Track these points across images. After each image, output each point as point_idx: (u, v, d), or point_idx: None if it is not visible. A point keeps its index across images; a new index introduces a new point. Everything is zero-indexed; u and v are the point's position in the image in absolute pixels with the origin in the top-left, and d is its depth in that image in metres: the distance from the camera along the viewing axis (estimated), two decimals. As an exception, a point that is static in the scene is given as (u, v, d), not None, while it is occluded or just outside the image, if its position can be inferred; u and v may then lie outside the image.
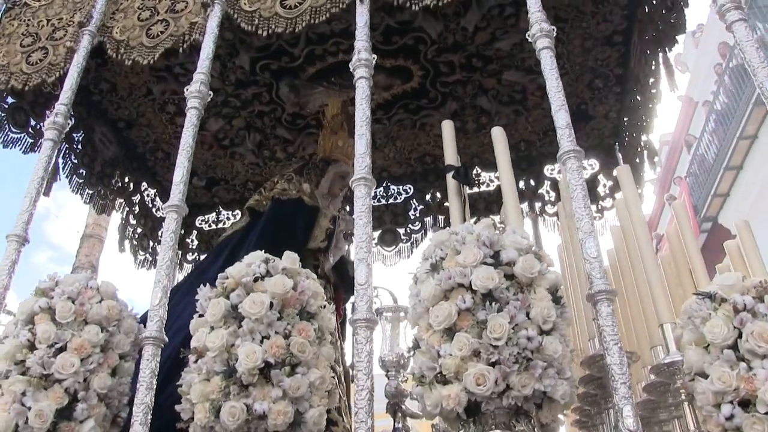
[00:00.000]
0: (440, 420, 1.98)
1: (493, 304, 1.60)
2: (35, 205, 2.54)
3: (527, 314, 1.61)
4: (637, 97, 3.69)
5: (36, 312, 1.95)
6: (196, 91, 2.49)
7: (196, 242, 4.70)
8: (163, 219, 4.35)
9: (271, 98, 3.96)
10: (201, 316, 1.91)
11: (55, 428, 1.80)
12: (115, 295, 2.07)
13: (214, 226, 4.73)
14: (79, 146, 3.85)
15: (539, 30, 2.19)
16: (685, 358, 1.65)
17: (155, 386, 1.89)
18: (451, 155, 2.26)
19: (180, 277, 4.31)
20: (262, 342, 1.76)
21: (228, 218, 4.73)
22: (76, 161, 3.83)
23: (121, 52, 2.89)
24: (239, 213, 4.58)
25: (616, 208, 2.45)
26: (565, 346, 1.62)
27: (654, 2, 3.14)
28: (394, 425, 2.43)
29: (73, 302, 1.96)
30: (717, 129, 11.20)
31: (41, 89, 3.21)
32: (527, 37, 2.25)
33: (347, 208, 4.20)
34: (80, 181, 3.86)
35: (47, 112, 3.39)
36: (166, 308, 2.03)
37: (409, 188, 4.62)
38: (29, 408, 1.78)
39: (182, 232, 4.05)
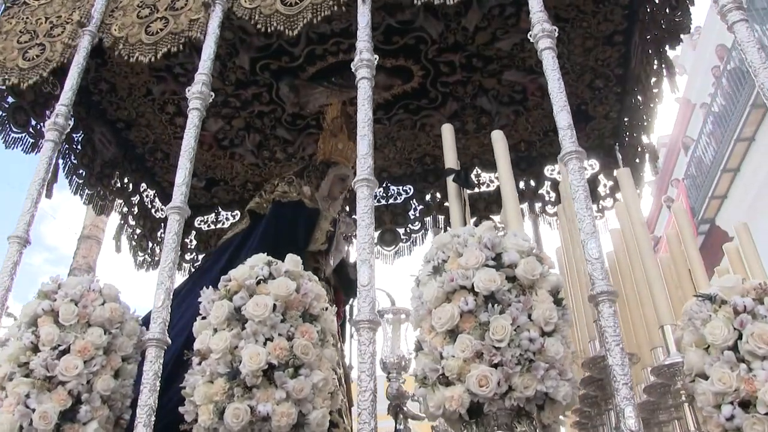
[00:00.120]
0: (441, 422, 1.99)
1: (495, 306, 1.61)
2: (36, 207, 2.53)
3: (529, 316, 1.62)
4: (638, 98, 3.69)
5: (39, 314, 1.96)
6: (197, 92, 2.47)
7: (194, 242, 4.68)
8: (162, 220, 4.39)
9: (271, 98, 3.95)
10: (204, 318, 1.92)
11: (59, 430, 1.81)
12: (118, 298, 2.08)
13: (213, 227, 4.71)
14: (79, 146, 3.84)
15: (541, 30, 2.18)
16: (685, 360, 1.66)
17: (158, 388, 1.90)
18: (451, 159, 2.24)
19: (179, 277, 4.30)
20: (265, 344, 1.78)
21: (227, 219, 4.71)
22: (75, 161, 3.81)
23: (119, 49, 2.88)
24: (238, 214, 4.56)
25: (616, 211, 2.46)
26: (566, 348, 1.63)
27: (657, 1, 3.13)
28: (395, 427, 2.44)
29: (76, 305, 1.96)
30: (714, 131, 11.20)
31: (41, 89, 3.20)
32: (529, 37, 2.23)
33: (346, 209, 4.20)
34: (80, 181, 3.84)
35: (47, 112, 3.38)
36: (169, 310, 2.03)
37: (409, 188, 4.60)
38: (33, 410, 1.79)
39: (181, 232, 4.03)
